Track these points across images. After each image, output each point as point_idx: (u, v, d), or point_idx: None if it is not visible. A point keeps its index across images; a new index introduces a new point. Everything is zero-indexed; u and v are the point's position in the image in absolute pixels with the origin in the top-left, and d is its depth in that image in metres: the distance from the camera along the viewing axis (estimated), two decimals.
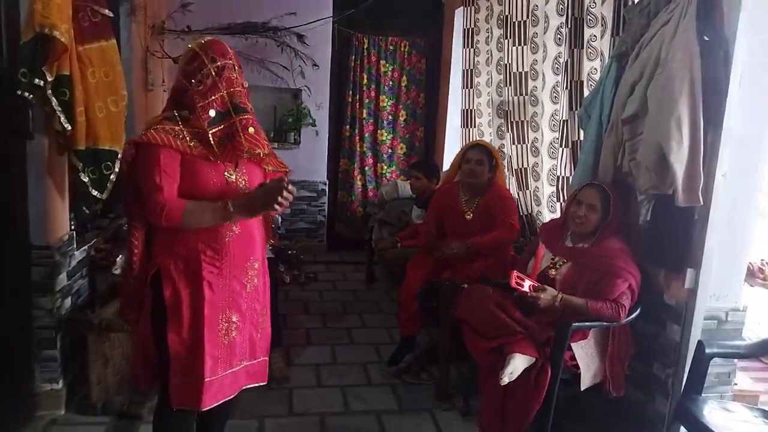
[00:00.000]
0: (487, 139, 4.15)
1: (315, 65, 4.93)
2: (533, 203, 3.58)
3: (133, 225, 1.81)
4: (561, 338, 2.25)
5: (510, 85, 3.70)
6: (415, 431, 2.70)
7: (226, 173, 1.79)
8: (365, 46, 5.21)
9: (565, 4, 3.03)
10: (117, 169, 2.58)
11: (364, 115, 5.37)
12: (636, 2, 2.49)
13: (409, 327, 3.18)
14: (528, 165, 3.60)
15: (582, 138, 2.82)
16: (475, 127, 4.45)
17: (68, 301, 2.63)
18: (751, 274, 4.07)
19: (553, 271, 2.49)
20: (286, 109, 5.14)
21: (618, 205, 2.42)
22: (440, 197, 3.42)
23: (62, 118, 2.30)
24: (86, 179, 2.50)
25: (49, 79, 2.21)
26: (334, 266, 5.14)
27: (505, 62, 3.75)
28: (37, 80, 2.18)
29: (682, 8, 2.11)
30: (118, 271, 2.83)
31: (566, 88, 3.03)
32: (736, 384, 2.44)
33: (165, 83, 4.42)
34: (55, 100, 2.26)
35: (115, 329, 2.58)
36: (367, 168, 5.48)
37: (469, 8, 4.40)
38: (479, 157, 3.19)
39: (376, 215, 4.83)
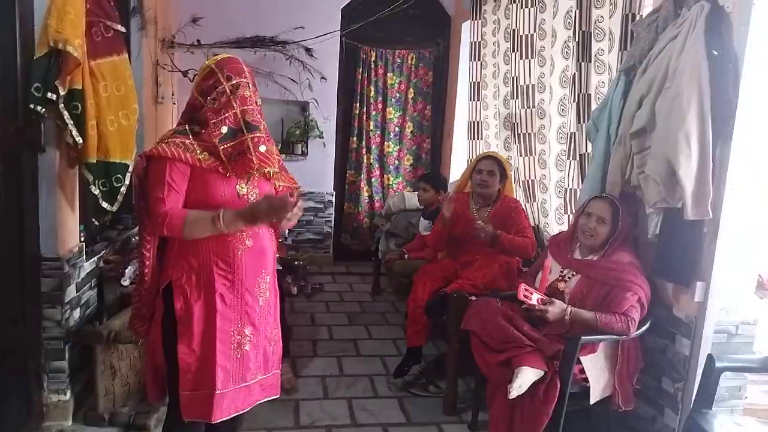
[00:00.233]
0: (494, 150, 4.16)
1: (323, 78, 4.98)
2: (540, 215, 3.58)
3: (144, 237, 1.83)
4: (570, 351, 2.24)
5: (517, 97, 3.72)
6: None
7: (237, 186, 1.80)
8: (372, 59, 5.24)
9: (573, 19, 3.05)
10: (127, 182, 2.61)
11: (371, 127, 5.39)
12: (644, 17, 2.50)
13: (415, 338, 3.17)
14: (536, 177, 3.61)
15: (590, 151, 2.83)
16: (482, 139, 4.46)
17: (77, 313, 2.64)
18: (761, 287, 4.04)
19: (562, 284, 2.49)
20: (293, 122, 5.17)
21: (627, 217, 2.41)
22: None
23: (74, 132, 2.32)
24: (97, 192, 2.51)
25: (62, 92, 2.23)
26: (340, 277, 5.14)
27: (513, 75, 3.77)
28: (49, 94, 2.20)
29: (690, 23, 2.12)
30: (126, 283, 2.85)
31: (574, 101, 3.04)
32: (746, 398, 2.42)
33: (175, 96, 4.47)
34: (67, 114, 2.28)
35: (123, 341, 2.58)
36: (373, 179, 5.49)
37: (476, 22, 4.43)
38: (491, 168, 3.27)
39: (383, 226, 4.83)
